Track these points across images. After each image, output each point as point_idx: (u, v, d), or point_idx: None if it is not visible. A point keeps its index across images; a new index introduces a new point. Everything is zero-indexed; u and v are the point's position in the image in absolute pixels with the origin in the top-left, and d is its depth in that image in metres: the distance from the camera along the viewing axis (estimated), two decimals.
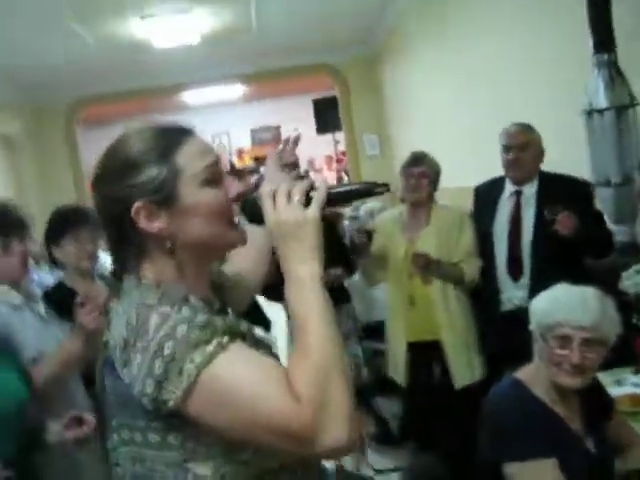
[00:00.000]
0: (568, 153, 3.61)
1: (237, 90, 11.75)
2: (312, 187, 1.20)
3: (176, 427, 1.12)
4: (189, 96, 11.42)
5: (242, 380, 1.05)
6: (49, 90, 9.53)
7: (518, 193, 3.20)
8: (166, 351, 1.06)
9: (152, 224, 1.19)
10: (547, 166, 3.44)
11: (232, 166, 12.92)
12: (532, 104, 4.17)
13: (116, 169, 1.23)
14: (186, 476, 1.13)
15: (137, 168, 1.21)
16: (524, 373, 1.96)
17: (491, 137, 3.58)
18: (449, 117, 6.77)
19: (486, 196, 3.36)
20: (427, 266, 3.22)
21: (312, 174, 13.11)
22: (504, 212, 3.23)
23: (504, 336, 3.01)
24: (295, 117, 12.97)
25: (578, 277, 2.84)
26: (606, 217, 3.28)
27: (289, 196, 1.17)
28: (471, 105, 5.91)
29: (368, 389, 4.31)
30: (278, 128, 14.00)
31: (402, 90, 8.86)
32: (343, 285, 4.23)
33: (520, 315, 2.72)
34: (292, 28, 8.53)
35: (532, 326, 1.96)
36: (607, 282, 3.18)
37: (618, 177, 3.21)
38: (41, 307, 2.45)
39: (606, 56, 3.20)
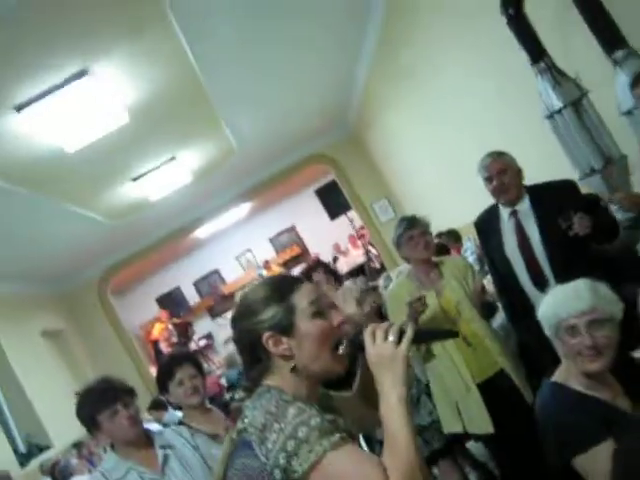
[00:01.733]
0: (549, 159, 3.79)
1: (243, 209, 12.16)
2: (403, 328, 1.53)
3: None
4: (201, 232, 11.83)
5: (352, 470, 1.40)
6: (77, 275, 9.98)
7: (514, 213, 3.35)
8: (300, 434, 1.42)
9: (278, 348, 1.57)
10: (535, 176, 3.60)
11: None
12: (503, 139, 4.41)
13: (249, 308, 1.63)
14: None
15: (263, 307, 1.60)
16: (557, 375, 2.08)
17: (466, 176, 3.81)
18: (427, 167, 7.10)
19: (487, 226, 3.51)
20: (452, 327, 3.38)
21: (340, 257, 13.34)
22: (509, 234, 3.37)
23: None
24: (305, 212, 13.34)
25: (597, 265, 3.00)
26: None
27: (386, 335, 1.51)
28: (440, 152, 6.22)
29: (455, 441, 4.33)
30: (294, 228, 14.35)
31: (386, 152, 9.21)
32: None
33: None
34: (270, 136, 8.90)
35: (547, 332, 2.09)
36: (626, 259, 3.30)
37: (599, 162, 3.36)
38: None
39: (542, 63, 3.41)
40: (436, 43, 5.34)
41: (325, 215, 11.31)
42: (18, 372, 7.62)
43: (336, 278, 4.19)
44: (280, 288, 1.63)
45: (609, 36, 3.10)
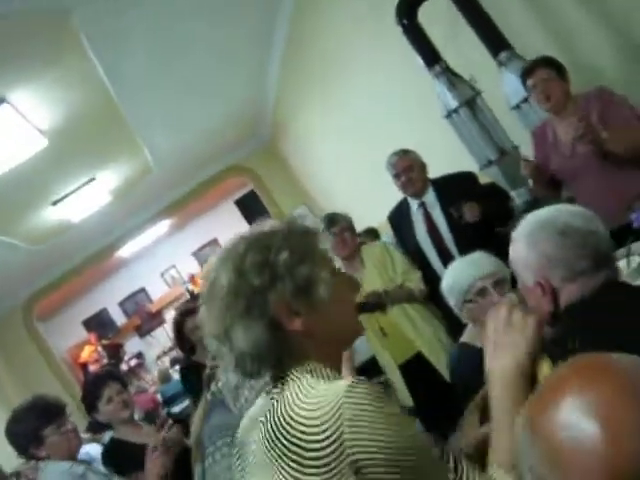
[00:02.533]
0: (452, 154, 4.15)
1: (164, 225, 12.21)
2: None
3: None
4: (124, 250, 11.82)
5: None
6: (1, 303, 9.83)
7: (422, 204, 3.68)
8: None
9: None
10: (442, 170, 3.93)
11: (191, 294, 13.28)
12: (410, 137, 4.75)
13: None
14: None
15: None
16: (465, 336, 2.39)
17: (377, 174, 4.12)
18: (343, 169, 7.44)
19: (399, 219, 3.84)
20: (380, 300, 3.63)
21: None
22: (419, 224, 3.70)
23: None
24: (226, 223, 13.45)
25: (498, 246, 3.34)
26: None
27: None
28: (354, 153, 6.56)
29: None
30: (215, 240, 14.45)
31: (302, 158, 9.50)
32: None
33: None
34: (186, 151, 9.05)
35: (451, 304, 2.38)
36: None
37: (494, 154, 3.73)
38: (101, 468, 2.84)
39: (438, 67, 3.76)
40: (343, 47, 5.66)
41: (246, 225, 11.49)
42: None
43: None
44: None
45: (493, 40, 3.47)
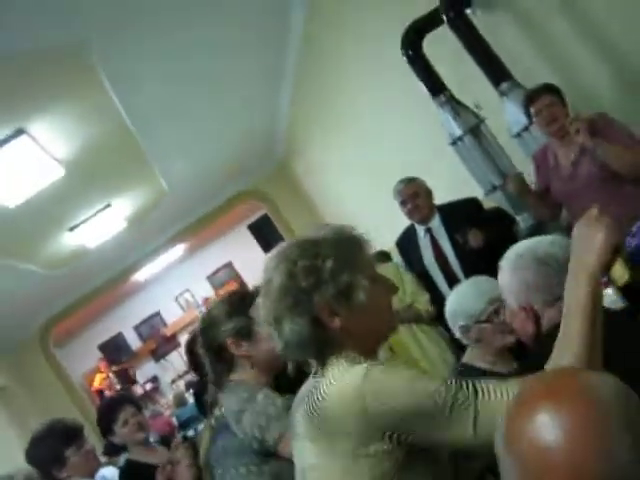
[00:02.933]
0: (458, 180, 4.25)
1: (179, 249, 12.37)
2: None
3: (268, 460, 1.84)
4: (139, 275, 11.98)
5: None
6: (17, 329, 9.97)
7: (429, 230, 3.79)
8: (269, 411, 1.85)
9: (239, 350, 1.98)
10: (448, 196, 4.04)
11: None
12: (419, 163, 4.88)
13: (214, 320, 2.04)
14: None
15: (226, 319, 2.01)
16: (466, 357, 2.48)
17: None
18: (356, 192, 7.55)
19: (407, 244, 3.95)
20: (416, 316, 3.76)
21: None
22: (427, 249, 3.81)
23: None
24: (240, 248, 13.61)
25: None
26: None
27: None
28: (368, 177, 6.68)
29: None
30: (230, 264, 14.59)
31: (316, 181, 9.64)
32: None
33: None
34: (200, 177, 9.21)
35: (454, 325, 2.47)
36: None
37: (498, 180, 3.83)
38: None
39: (442, 96, 3.88)
40: (350, 78, 5.80)
41: (259, 249, 11.64)
42: None
43: None
44: (239, 303, 2.01)
45: (495, 71, 3.58)
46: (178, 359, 13.11)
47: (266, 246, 11.61)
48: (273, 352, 1.90)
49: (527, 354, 1.95)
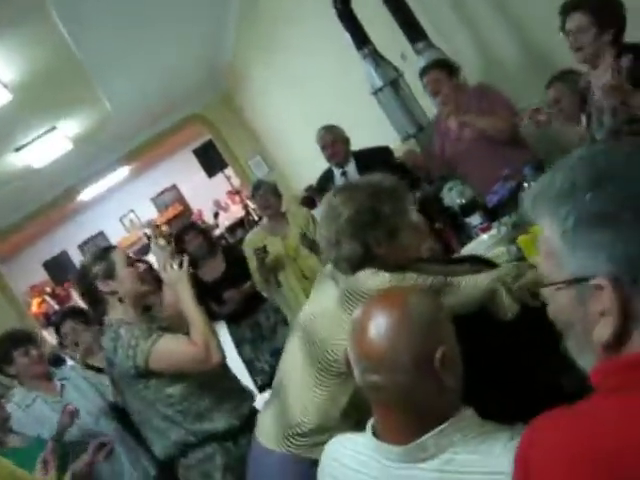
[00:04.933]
0: (380, 125, 4.67)
1: (124, 171, 12.56)
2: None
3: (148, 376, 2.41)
4: (84, 195, 12.17)
5: (174, 346, 2.43)
6: None
7: (344, 173, 4.23)
8: (132, 342, 2.40)
9: (106, 288, 2.56)
10: (371, 140, 4.46)
11: (148, 238, 13.70)
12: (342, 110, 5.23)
13: (85, 269, 2.62)
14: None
15: (92, 266, 2.59)
16: None
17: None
18: (295, 124, 7.87)
19: (325, 184, 4.38)
20: (312, 244, 4.18)
21: (221, 213, 14.00)
22: None
23: None
24: (184, 171, 13.86)
25: None
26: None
27: (171, 265, 2.53)
28: (305, 109, 7.00)
29: None
30: (175, 186, 14.86)
31: (258, 110, 9.92)
32: (257, 292, 5.03)
33: None
34: (145, 100, 9.39)
35: None
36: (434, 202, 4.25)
37: (413, 129, 4.26)
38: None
39: (366, 49, 4.25)
40: (290, 16, 6.07)
41: (204, 173, 11.91)
42: None
43: (206, 237, 4.87)
44: (102, 253, 2.61)
45: (412, 31, 3.97)
46: None
47: (210, 171, 11.87)
48: (136, 288, 2.55)
49: None
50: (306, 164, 7.50)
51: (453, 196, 3.76)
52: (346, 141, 4.23)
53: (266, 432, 2.05)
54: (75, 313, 3.85)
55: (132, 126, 10.19)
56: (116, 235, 14.61)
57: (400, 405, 1.27)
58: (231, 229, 12.77)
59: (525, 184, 2.61)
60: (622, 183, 0.80)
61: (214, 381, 2.54)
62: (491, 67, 4.05)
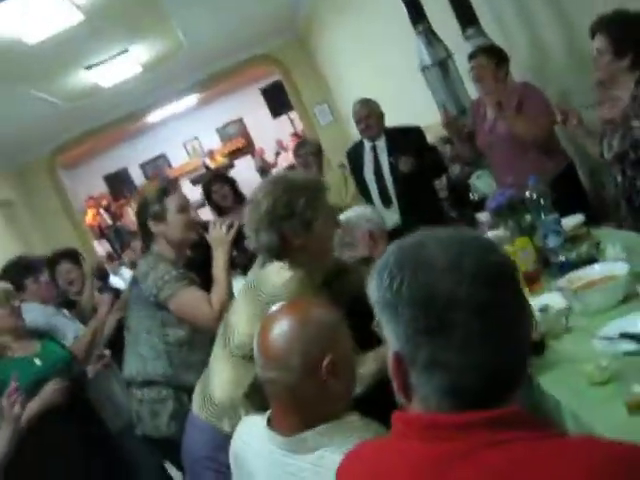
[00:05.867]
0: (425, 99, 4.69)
1: (192, 99, 12.76)
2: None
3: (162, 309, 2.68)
4: (151, 117, 12.45)
5: (193, 299, 2.66)
6: (29, 150, 10.57)
7: (374, 147, 4.31)
8: (165, 277, 2.65)
9: (157, 228, 2.85)
10: (415, 112, 4.50)
11: (207, 168, 13.98)
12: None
13: (143, 204, 2.93)
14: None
15: (150, 205, 2.88)
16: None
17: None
18: (363, 80, 7.87)
19: (355, 155, 4.48)
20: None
21: (282, 153, 14.15)
22: (369, 164, 4.34)
23: None
24: (250, 107, 13.99)
25: (428, 194, 4.01)
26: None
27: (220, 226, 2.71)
28: (373, 69, 7.00)
29: None
30: (241, 120, 15.01)
31: (330, 59, 9.92)
32: None
33: (397, 232, 3.89)
34: (219, 35, 9.49)
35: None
36: (462, 189, 4.30)
37: (454, 110, 4.28)
38: (66, 312, 3.66)
39: (420, 26, 4.25)
40: None
41: (268, 113, 12.03)
42: None
43: (232, 187, 4.98)
44: (160, 194, 2.82)
45: (465, 15, 3.95)
46: None
47: (275, 111, 12.00)
48: (179, 235, 2.78)
49: None
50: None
51: (478, 185, 3.82)
52: (380, 116, 4.29)
53: (195, 398, 2.30)
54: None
55: (203, 58, 10.31)
56: (178, 159, 14.92)
57: (288, 401, 1.45)
58: (290, 169, 12.90)
59: (527, 194, 2.65)
60: (409, 276, 0.90)
61: (210, 344, 2.76)
62: (542, 64, 4.01)
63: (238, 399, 2.07)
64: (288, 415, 1.46)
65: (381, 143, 4.26)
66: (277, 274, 2.04)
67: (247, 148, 14.99)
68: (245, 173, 14.42)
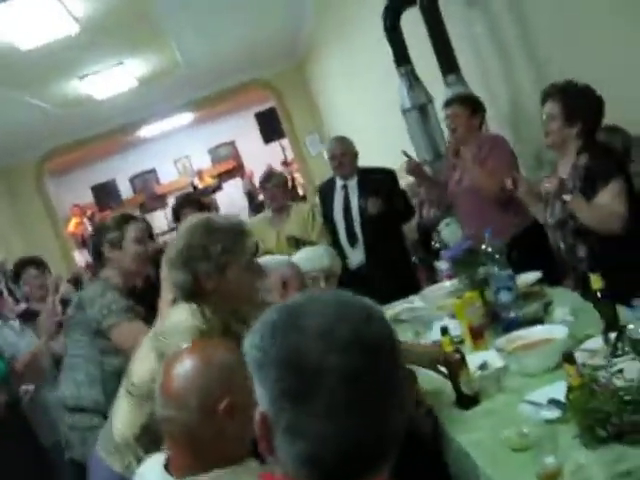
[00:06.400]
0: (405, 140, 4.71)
1: (185, 117, 12.79)
2: None
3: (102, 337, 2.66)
4: (143, 132, 12.47)
5: (132, 330, 2.61)
6: (14, 152, 10.54)
7: (345, 187, 4.31)
8: (112, 307, 2.66)
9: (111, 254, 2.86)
10: (386, 154, 4.51)
11: (194, 187, 13.98)
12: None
13: (101, 231, 2.90)
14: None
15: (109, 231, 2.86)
16: None
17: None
18: (353, 113, 7.92)
19: (326, 191, 4.48)
20: (297, 243, 4.29)
21: None
22: (339, 201, 4.34)
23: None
24: (244, 131, 14.03)
25: (394, 237, 4.02)
26: None
27: None
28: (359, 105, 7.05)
29: None
30: (233, 143, 15.05)
31: (323, 88, 9.99)
32: None
33: (361, 271, 3.91)
34: (216, 58, 9.54)
35: None
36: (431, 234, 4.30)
37: (430, 155, 4.30)
38: (17, 324, 3.61)
39: (403, 68, 4.29)
40: (360, 13, 6.10)
41: (260, 138, 12.07)
42: None
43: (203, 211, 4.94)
44: (120, 222, 2.77)
45: (446, 62, 3.99)
46: (161, 218, 13.72)
47: (267, 137, 12.03)
48: (132, 265, 2.72)
49: None
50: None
51: (444, 233, 3.82)
52: (355, 155, 4.30)
53: (99, 435, 2.26)
54: None
55: (199, 78, 10.34)
56: (167, 176, 14.92)
57: (184, 441, 1.43)
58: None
59: (483, 247, 2.64)
60: (280, 336, 0.90)
61: None
62: (518, 118, 4.04)
63: (130, 440, 2.04)
64: (184, 457, 1.43)
65: (352, 183, 4.27)
66: (178, 314, 2.05)
67: (237, 171, 15.01)
68: (233, 195, 14.47)
